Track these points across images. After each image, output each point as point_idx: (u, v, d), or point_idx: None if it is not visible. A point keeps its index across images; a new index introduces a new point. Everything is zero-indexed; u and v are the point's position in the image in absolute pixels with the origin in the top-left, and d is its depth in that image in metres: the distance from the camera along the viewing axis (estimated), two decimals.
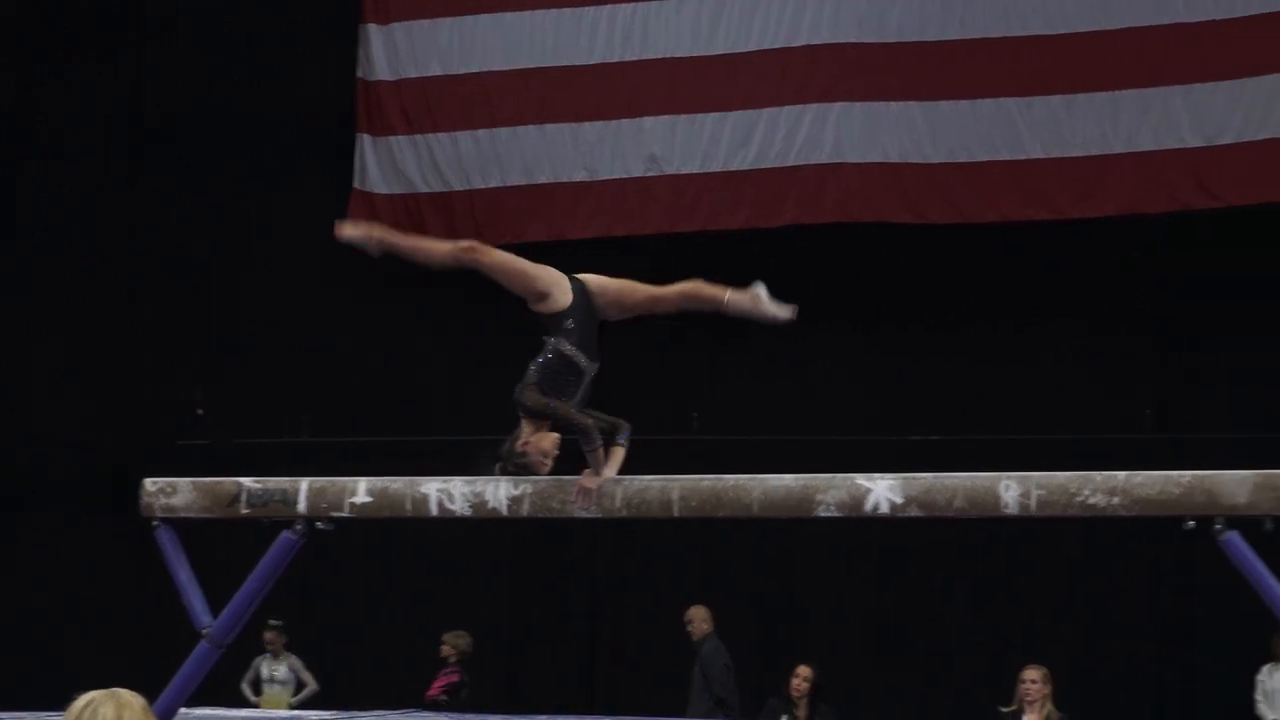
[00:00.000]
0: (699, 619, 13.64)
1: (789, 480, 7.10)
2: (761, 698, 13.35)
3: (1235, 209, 13.36)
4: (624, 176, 14.59)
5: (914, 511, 6.98)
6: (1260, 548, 6.65)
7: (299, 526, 7.56)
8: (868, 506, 6.97)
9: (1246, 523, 6.65)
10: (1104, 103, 13.59)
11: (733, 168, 14.32)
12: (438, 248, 7.76)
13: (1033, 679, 11.75)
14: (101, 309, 16.36)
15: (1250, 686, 13.22)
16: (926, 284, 14.64)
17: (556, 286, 7.30)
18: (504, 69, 14.93)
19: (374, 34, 15.24)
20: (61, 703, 3.79)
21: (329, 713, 12.63)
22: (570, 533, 14.51)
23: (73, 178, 16.46)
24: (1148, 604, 14.28)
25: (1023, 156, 13.76)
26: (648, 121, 14.51)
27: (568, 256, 15.07)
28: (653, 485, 7.20)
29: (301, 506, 7.54)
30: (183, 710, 7.91)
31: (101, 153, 16.57)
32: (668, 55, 14.50)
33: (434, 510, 7.40)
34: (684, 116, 14.45)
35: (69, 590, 15.96)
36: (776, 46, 14.26)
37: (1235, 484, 6.63)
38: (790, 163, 14.17)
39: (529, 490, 7.26)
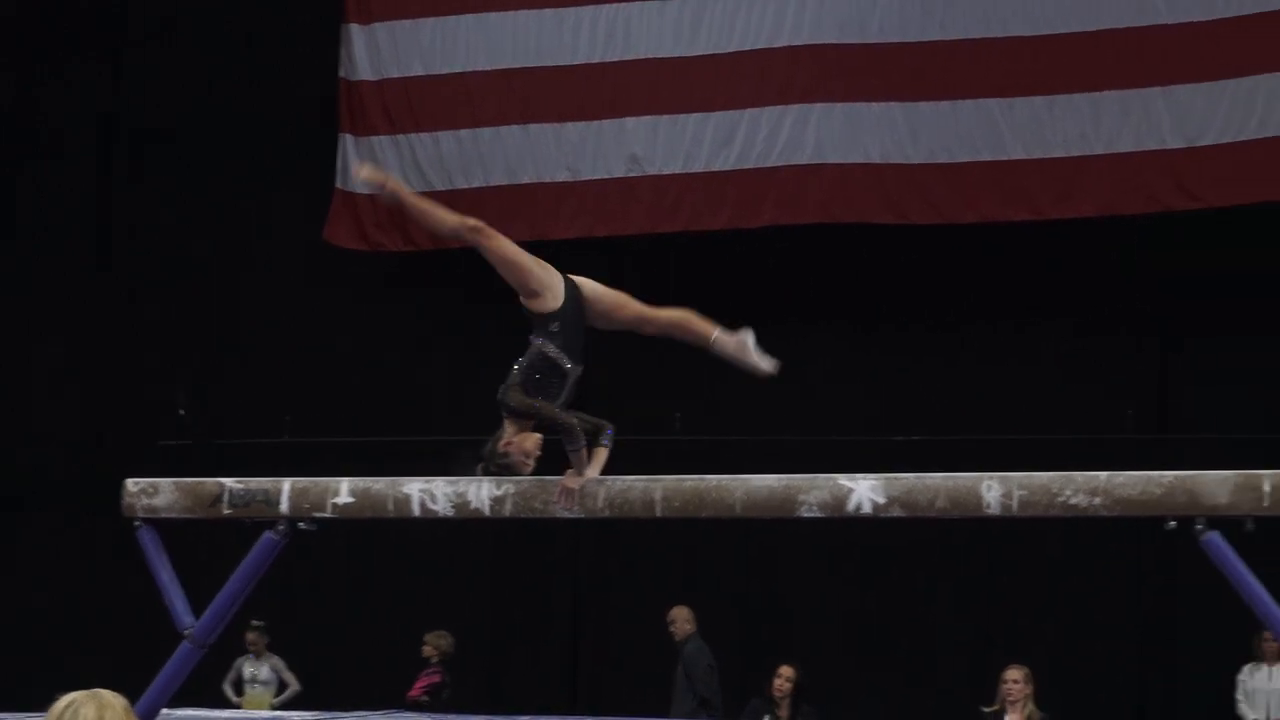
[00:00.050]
0: (681, 619, 13.65)
1: (771, 480, 7.10)
2: (744, 698, 13.36)
3: (1220, 209, 13.39)
4: (606, 177, 14.60)
5: (896, 512, 6.99)
6: (1241, 548, 6.66)
7: (281, 527, 7.55)
8: (850, 507, 6.98)
9: (1227, 523, 6.67)
10: (1084, 104, 13.62)
11: (715, 168, 14.33)
12: (445, 218, 7.66)
13: (1014, 679, 11.78)
14: (92, 309, 16.34)
15: (1231, 686, 13.25)
16: (908, 285, 14.66)
17: (550, 289, 7.27)
18: (486, 69, 14.93)
19: (356, 34, 15.23)
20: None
21: (311, 713, 12.61)
22: (553, 533, 14.52)
23: (63, 179, 16.44)
24: (1129, 604, 14.30)
25: (1004, 157, 13.78)
26: (630, 122, 14.52)
27: (550, 257, 15.11)
28: (635, 485, 7.21)
29: (284, 507, 7.53)
30: (165, 711, 7.90)
31: (93, 156, 16.54)
32: (650, 56, 14.51)
33: (416, 511, 7.39)
34: (666, 117, 14.45)
35: (68, 591, 15.95)
36: (758, 47, 14.27)
37: (1216, 484, 6.65)
38: (772, 163, 14.18)
39: (511, 490, 7.26)
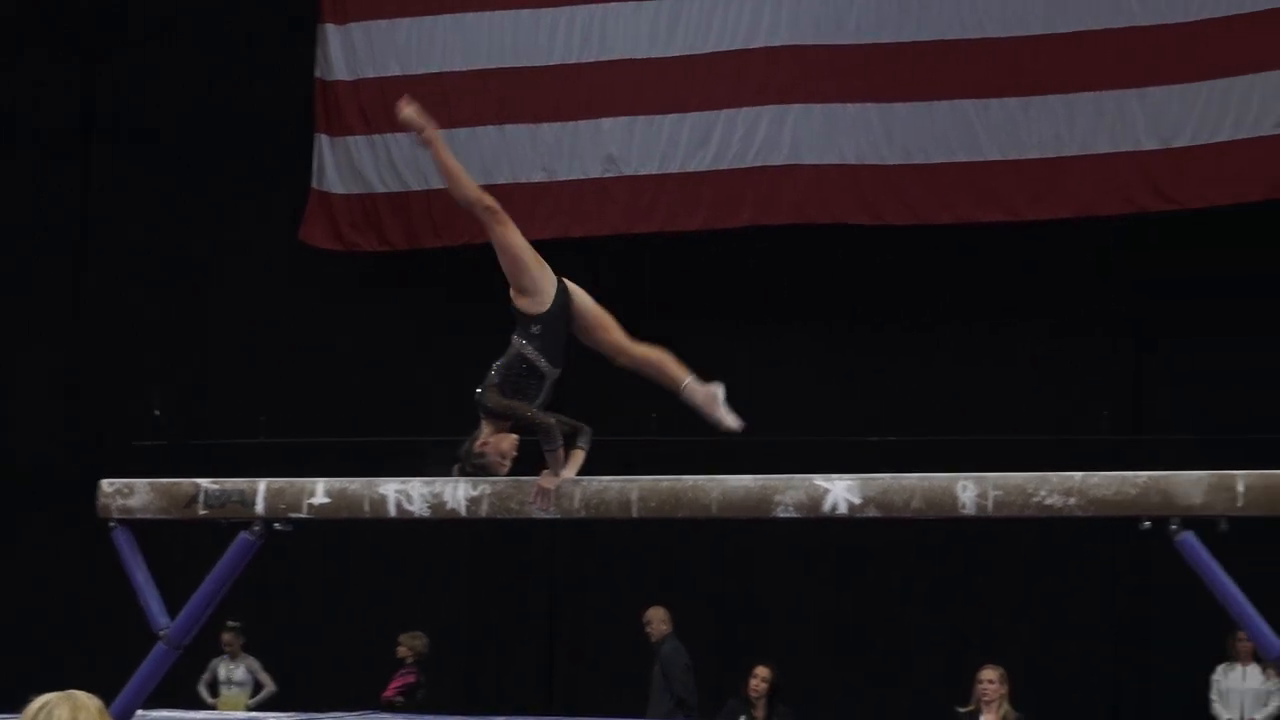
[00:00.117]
0: (658, 620, 13.65)
1: (747, 481, 7.11)
2: (720, 698, 13.37)
3: (1195, 210, 13.43)
4: (582, 177, 14.60)
5: (872, 512, 6.99)
6: (1215, 548, 6.68)
7: (257, 527, 7.54)
8: (826, 507, 6.98)
9: (1202, 523, 6.68)
10: (1060, 105, 13.64)
11: (690, 169, 14.34)
12: (467, 187, 7.56)
13: (990, 679, 11.80)
14: (68, 309, 16.32)
15: (1205, 686, 13.28)
16: (884, 285, 14.68)
17: (540, 291, 7.25)
18: (462, 69, 14.92)
19: (332, 34, 15.21)
20: None
21: (286, 714, 12.59)
22: (529, 533, 14.52)
23: (40, 179, 16.41)
24: (1104, 604, 14.34)
25: (979, 158, 13.81)
26: (606, 122, 14.51)
27: None
28: (611, 486, 7.21)
29: (259, 507, 7.52)
30: (140, 712, 7.88)
31: (69, 156, 16.51)
32: (626, 56, 14.51)
33: (392, 511, 7.39)
34: (642, 117, 14.45)
35: (42, 591, 15.91)
36: (734, 48, 14.28)
37: (1190, 484, 6.67)
38: (748, 164, 14.18)
39: (487, 491, 7.25)
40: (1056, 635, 14.23)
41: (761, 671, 12.92)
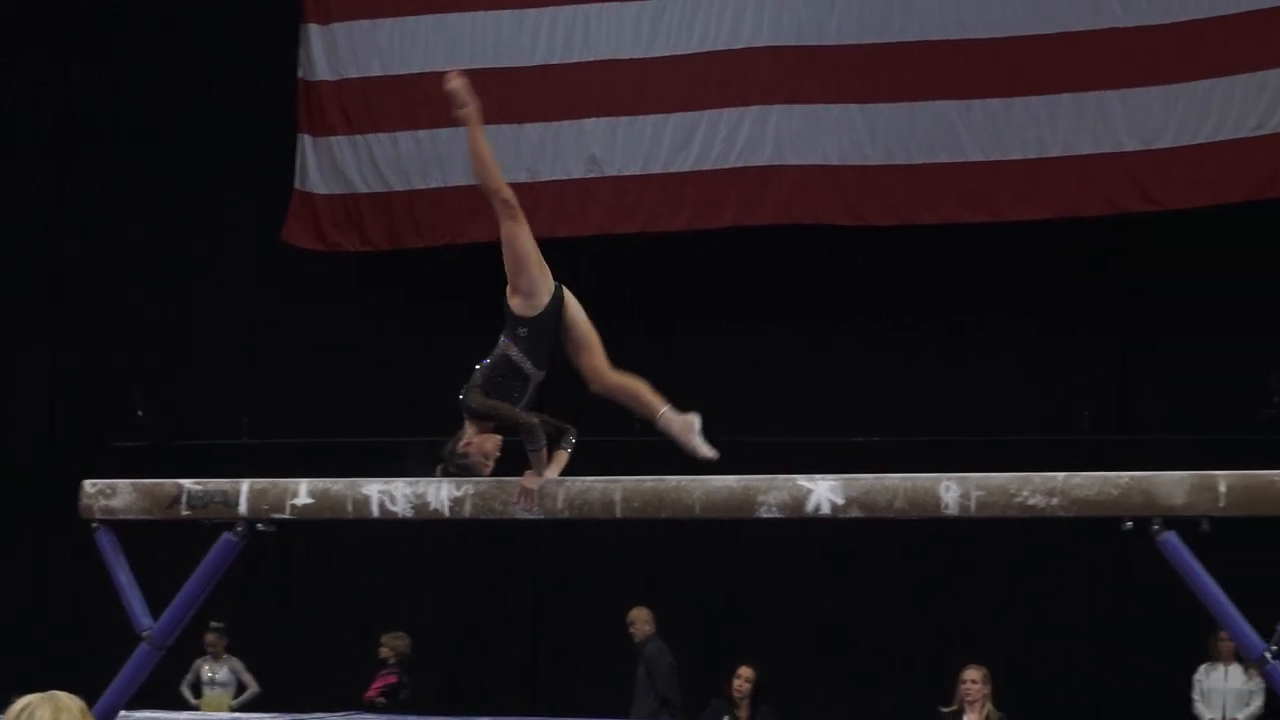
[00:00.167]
0: (641, 620, 13.65)
1: (730, 481, 7.11)
2: (703, 698, 13.37)
3: (1178, 211, 13.46)
4: (565, 178, 14.59)
5: (855, 512, 7.00)
6: (1197, 548, 6.70)
7: (240, 528, 7.53)
8: (809, 507, 6.99)
9: (1183, 523, 6.70)
10: (1042, 106, 13.67)
11: (673, 169, 14.34)
12: (492, 174, 7.54)
13: (973, 679, 11.81)
14: (49, 309, 16.29)
15: (1188, 686, 13.30)
16: (867, 285, 14.69)
17: (535, 296, 7.21)
18: (445, 70, 14.84)
19: (314, 34, 15.19)
20: None
21: (269, 715, 12.58)
22: (512, 534, 14.52)
23: (19, 177, 16.38)
24: (1086, 604, 14.36)
25: (961, 159, 13.83)
26: (589, 123, 14.51)
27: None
28: (595, 486, 7.21)
29: (242, 508, 7.51)
30: (123, 713, 7.86)
31: (49, 154, 16.48)
32: (609, 57, 14.51)
33: (375, 512, 7.38)
34: (625, 118, 14.46)
35: (21, 593, 15.88)
36: (717, 49, 14.29)
37: (1172, 485, 6.68)
38: (731, 164, 14.19)
39: (471, 491, 7.25)
40: (1039, 635, 14.25)
41: (745, 672, 12.93)
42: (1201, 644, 13.12)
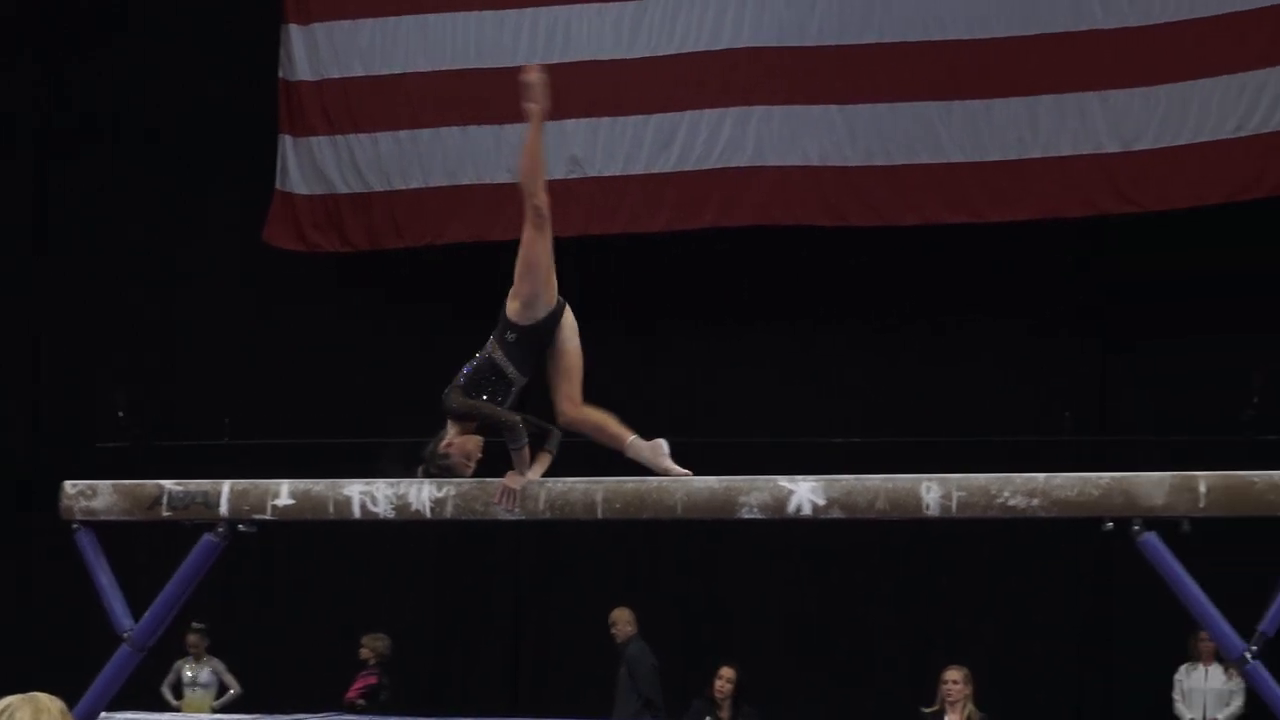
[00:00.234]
0: (623, 621, 13.65)
1: (712, 482, 7.12)
2: (685, 699, 13.38)
3: (1160, 213, 13.48)
4: (546, 178, 14.55)
5: (836, 513, 7.00)
6: (1177, 549, 6.72)
7: (221, 529, 7.52)
8: (790, 508, 6.99)
9: (1164, 524, 6.72)
10: (1022, 108, 13.69)
11: (654, 170, 14.35)
12: (534, 177, 7.63)
13: (954, 679, 11.84)
14: (30, 310, 16.26)
15: (1168, 686, 13.33)
16: (848, 286, 14.70)
17: (534, 307, 7.19)
18: (426, 70, 14.90)
19: (295, 34, 15.18)
20: None
21: (250, 716, 12.58)
22: (494, 534, 14.51)
23: (2, 177, 16.35)
24: (1067, 604, 14.38)
25: (942, 160, 13.84)
26: (570, 124, 14.49)
27: (488, 258, 15.11)
28: (576, 487, 7.21)
29: (223, 509, 7.50)
30: (103, 714, 7.85)
31: (30, 154, 16.44)
32: (590, 58, 14.50)
33: (357, 513, 7.37)
34: (606, 119, 14.45)
35: (28, 593, 15.86)
36: (698, 50, 14.29)
37: (1152, 485, 6.70)
38: (711, 165, 14.20)
39: (452, 492, 7.25)
40: (1020, 636, 14.27)
41: (726, 672, 12.95)
42: (1182, 644, 13.14)
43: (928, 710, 11.97)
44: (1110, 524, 6.76)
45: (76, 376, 16.10)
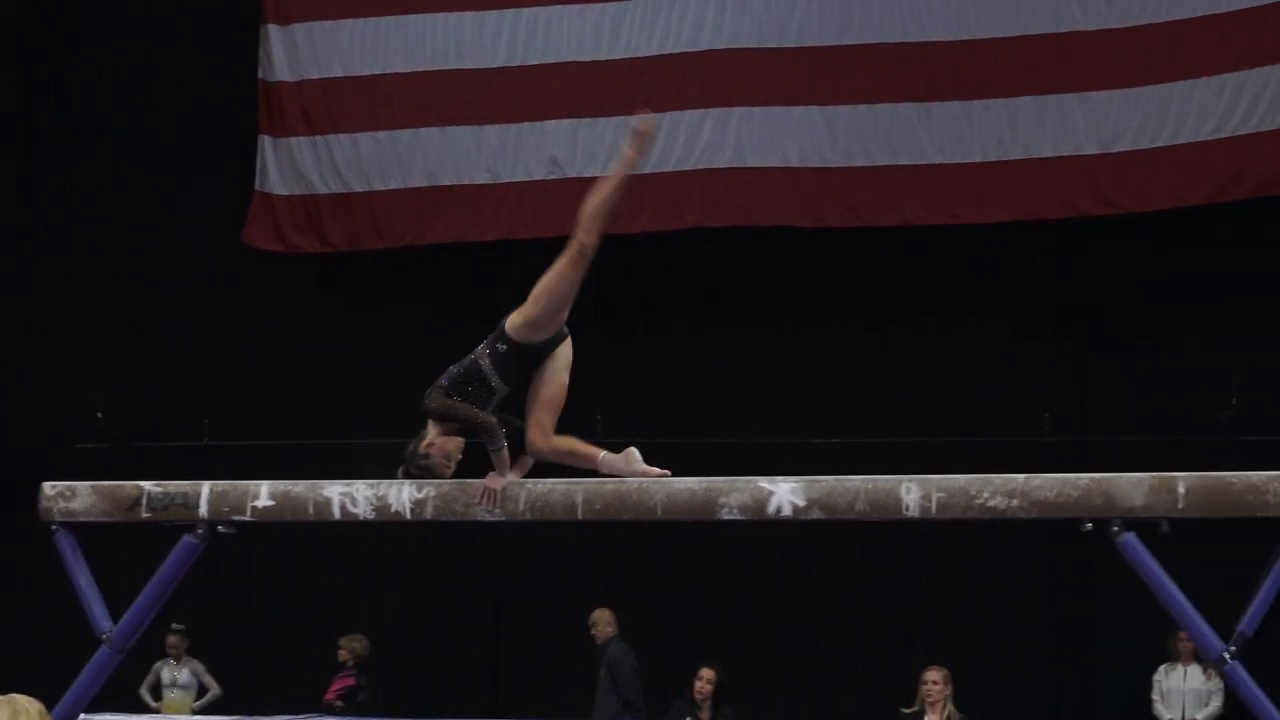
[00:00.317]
0: (603, 622, 13.65)
1: (692, 483, 7.12)
2: (665, 699, 13.38)
3: (1140, 214, 13.51)
4: (526, 179, 14.57)
5: (816, 514, 7.02)
6: (1156, 549, 6.73)
7: (200, 530, 7.52)
8: (770, 509, 7.00)
9: (1143, 524, 6.74)
10: (1002, 109, 13.70)
11: (635, 171, 14.30)
12: (597, 213, 7.85)
13: (934, 680, 11.86)
14: (8, 310, 16.22)
15: (1147, 687, 13.34)
16: (829, 287, 14.71)
17: (537, 330, 7.17)
18: (406, 71, 14.88)
19: (274, 34, 15.15)
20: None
21: (230, 718, 12.56)
22: (474, 535, 14.50)
23: None
24: (1046, 605, 14.40)
25: (922, 161, 13.85)
26: (550, 124, 14.50)
27: (468, 258, 15.10)
28: (557, 488, 7.22)
29: (203, 510, 7.49)
30: (82, 716, 7.84)
31: (8, 156, 16.40)
32: (570, 59, 14.50)
33: (337, 514, 7.37)
34: (586, 120, 14.44)
35: (7, 594, 15.82)
36: (678, 51, 14.29)
37: (1132, 486, 6.71)
38: (691, 166, 14.19)
39: (432, 493, 7.25)
40: (999, 636, 14.29)
41: (706, 673, 12.95)
42: (1161, 644, 13.16)
43: (907, 711, 11.98)
44: (1089, 525, 6.78)
45: (55, 377, 16.05)
